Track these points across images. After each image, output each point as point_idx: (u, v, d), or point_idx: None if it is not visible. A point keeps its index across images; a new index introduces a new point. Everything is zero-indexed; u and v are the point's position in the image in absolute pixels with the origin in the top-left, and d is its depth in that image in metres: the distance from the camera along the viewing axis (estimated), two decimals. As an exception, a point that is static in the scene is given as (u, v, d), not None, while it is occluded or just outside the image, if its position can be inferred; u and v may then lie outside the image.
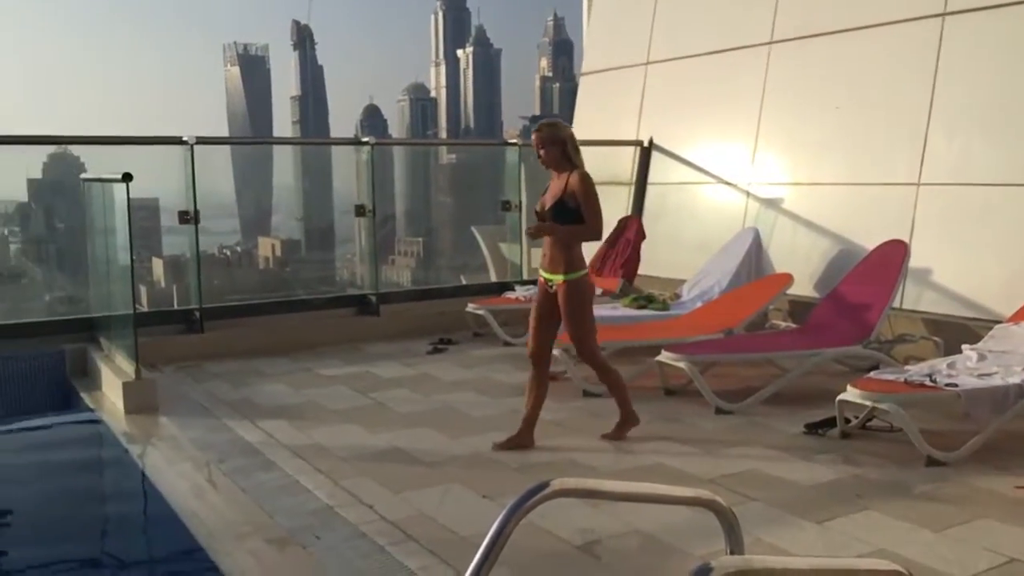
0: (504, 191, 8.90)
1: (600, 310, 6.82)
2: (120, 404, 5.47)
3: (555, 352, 5.76)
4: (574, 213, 4.52)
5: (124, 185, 5.34)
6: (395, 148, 7.43)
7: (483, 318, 7.28)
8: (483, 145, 11.50)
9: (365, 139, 7.90)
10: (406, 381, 6.14)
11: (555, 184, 4.63)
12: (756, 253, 7.17)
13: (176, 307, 7.87)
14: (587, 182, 4.53)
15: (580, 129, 9.91)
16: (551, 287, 4.61)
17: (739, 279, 6.98)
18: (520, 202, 8.63)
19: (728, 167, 8.20)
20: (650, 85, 9.13)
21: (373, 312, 7.73)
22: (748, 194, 7.96)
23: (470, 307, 7.34)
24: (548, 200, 4.60)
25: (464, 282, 10.85)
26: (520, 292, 7.74)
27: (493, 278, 10.44)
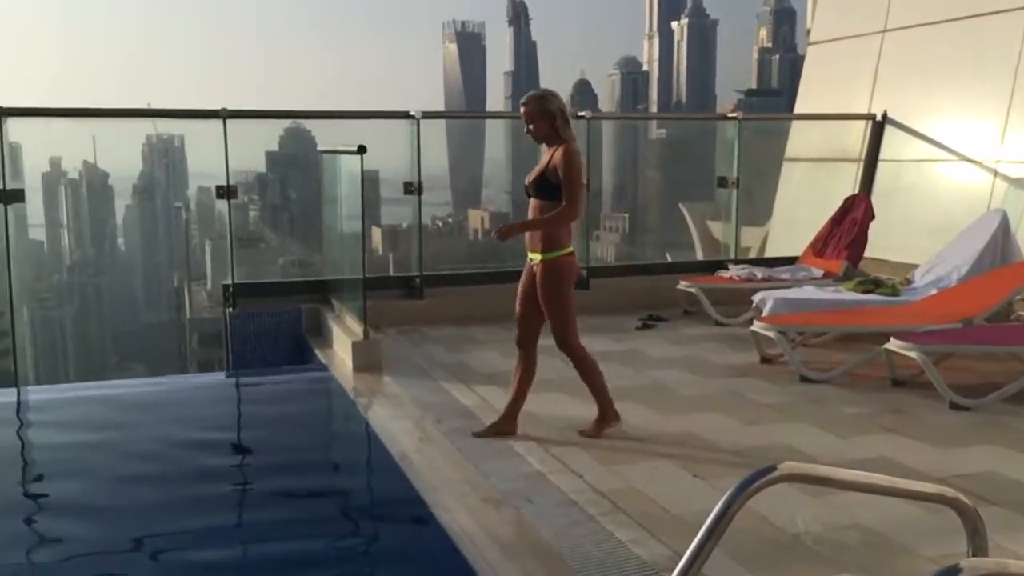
0: (719, 167, 8.67)
1: (822, 293, 6.52)
2: (349, 361, 5.87)
3: (771, 334, 5.58)
4: (556, 188, 4.21)
5: (359, 157, 5.68)
6: (604, 123, 7.40)
7: (694, 296, 7.15)
8: (703, 119, 11.21)
9: (581, 113, 7.93)
10: (614, 355, 6.15)
11: (544, 158, 4.34)
12: (1003, 238, 6.53)
13: (395, 273, 8.32)
14: (571, 157, 4.18)
15: (806, 102, 9.44)
16: (533, 265, 4.36)
17: (981, 266, 6.40)
18: (737, 178, 8.36)
19: (973, 144, 7.52)
20: (886, 54, 8.52)
21: (582, 286, 7.78)
22: (995, 173, 7.27)
23: (682, 284, 7.22)
24: (534, 174, 4.34)
25: (669, 259, 10.71)
26: (734, 271, 7.52)
27: (700, 256, 10.22)
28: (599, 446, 4.31)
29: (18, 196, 6.48)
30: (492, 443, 4.38)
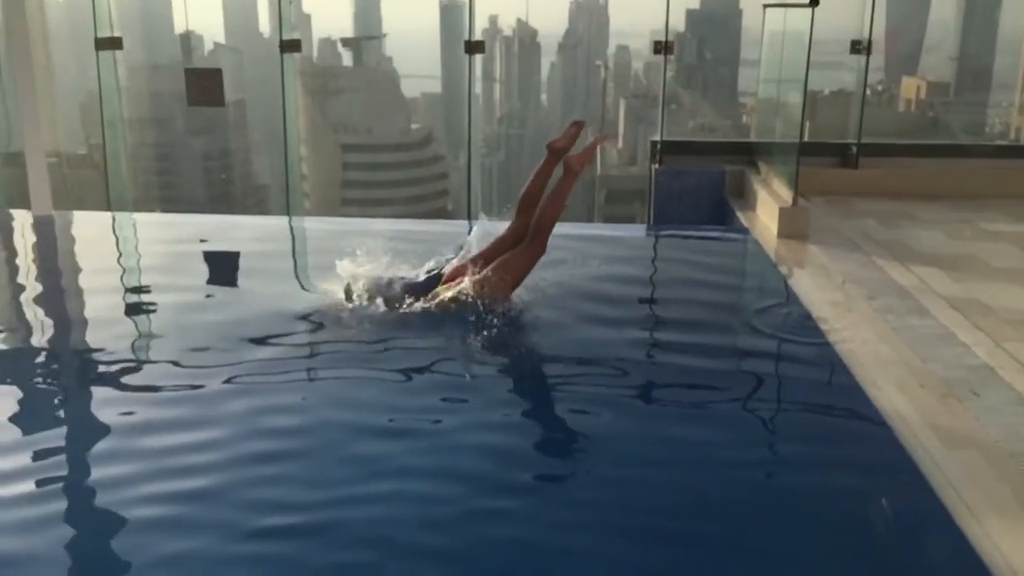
0: None
1: None
2: (773, 227, 5.74)
3: None
4: None
5: (809, 11, 5.32)
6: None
7: None
8: None
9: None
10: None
11: None
12: None
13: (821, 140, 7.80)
14: None
15: None
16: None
17: None
18: None
19: None
20: None
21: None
22: None
23: None
24: None
25: None
26: None
27: None
28: (1064, 349, 3.78)
29: (479, 48, 7.17)
30: (933, 328, 4.06)
